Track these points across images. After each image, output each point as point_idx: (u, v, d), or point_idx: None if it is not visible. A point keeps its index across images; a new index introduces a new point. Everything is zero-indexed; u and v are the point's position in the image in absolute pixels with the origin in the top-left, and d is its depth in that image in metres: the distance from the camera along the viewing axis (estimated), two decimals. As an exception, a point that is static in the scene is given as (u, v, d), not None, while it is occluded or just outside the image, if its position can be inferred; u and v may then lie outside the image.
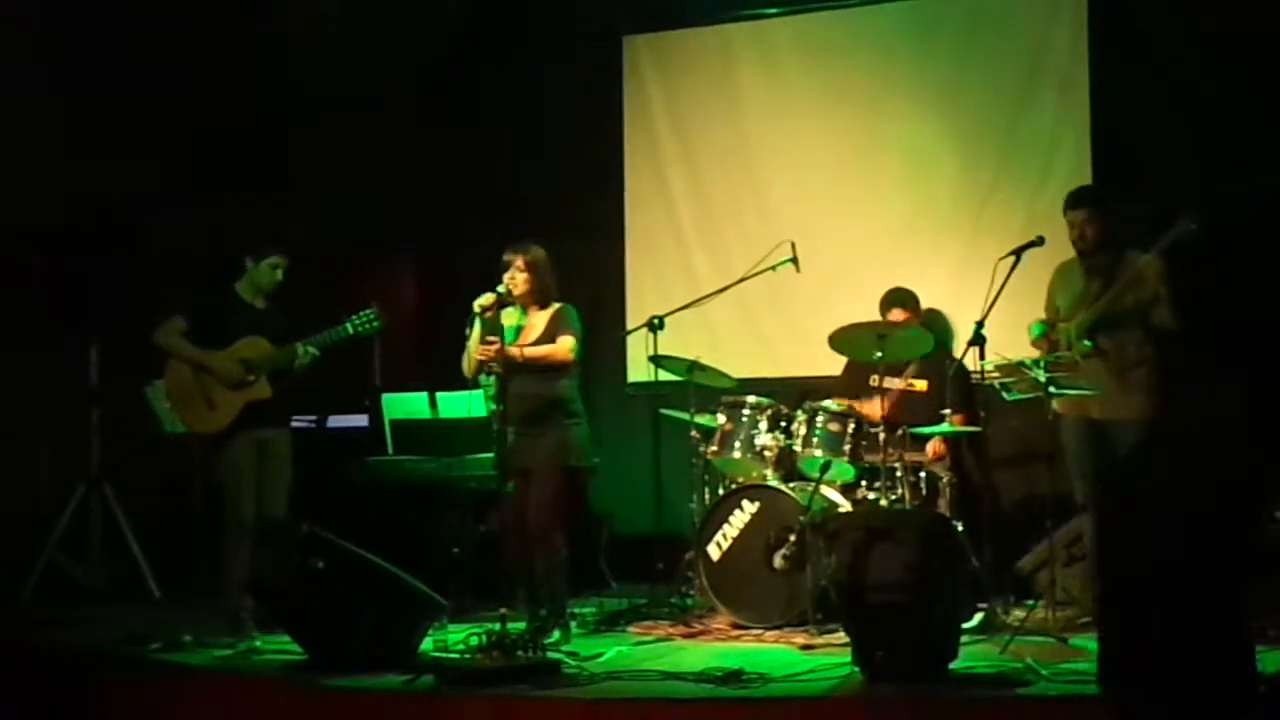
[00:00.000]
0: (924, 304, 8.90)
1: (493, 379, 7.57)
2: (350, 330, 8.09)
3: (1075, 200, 7.72)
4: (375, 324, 8.13)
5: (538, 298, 7.77)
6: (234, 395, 7.94)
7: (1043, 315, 7.80)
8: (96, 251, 9.65)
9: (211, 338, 7.97)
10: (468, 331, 7.60)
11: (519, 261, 7.71)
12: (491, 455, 7.96)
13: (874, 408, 8.15)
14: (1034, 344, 7.72)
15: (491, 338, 7.54)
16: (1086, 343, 7.53)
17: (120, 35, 9.42)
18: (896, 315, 8.69)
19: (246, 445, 7.94)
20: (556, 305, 7.79)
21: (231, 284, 8.15)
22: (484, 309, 7.57)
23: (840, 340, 8.29)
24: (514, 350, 7.55)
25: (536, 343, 7.68)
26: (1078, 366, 7.48)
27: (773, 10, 9.90)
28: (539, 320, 7.77)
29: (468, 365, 7.69)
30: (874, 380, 8.21)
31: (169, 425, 8.95)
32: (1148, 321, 7.50)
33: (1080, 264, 7.73)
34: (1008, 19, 9.28)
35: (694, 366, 8.46)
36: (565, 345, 7.66)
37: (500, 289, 7.64)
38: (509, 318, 7.77)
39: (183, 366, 7.99)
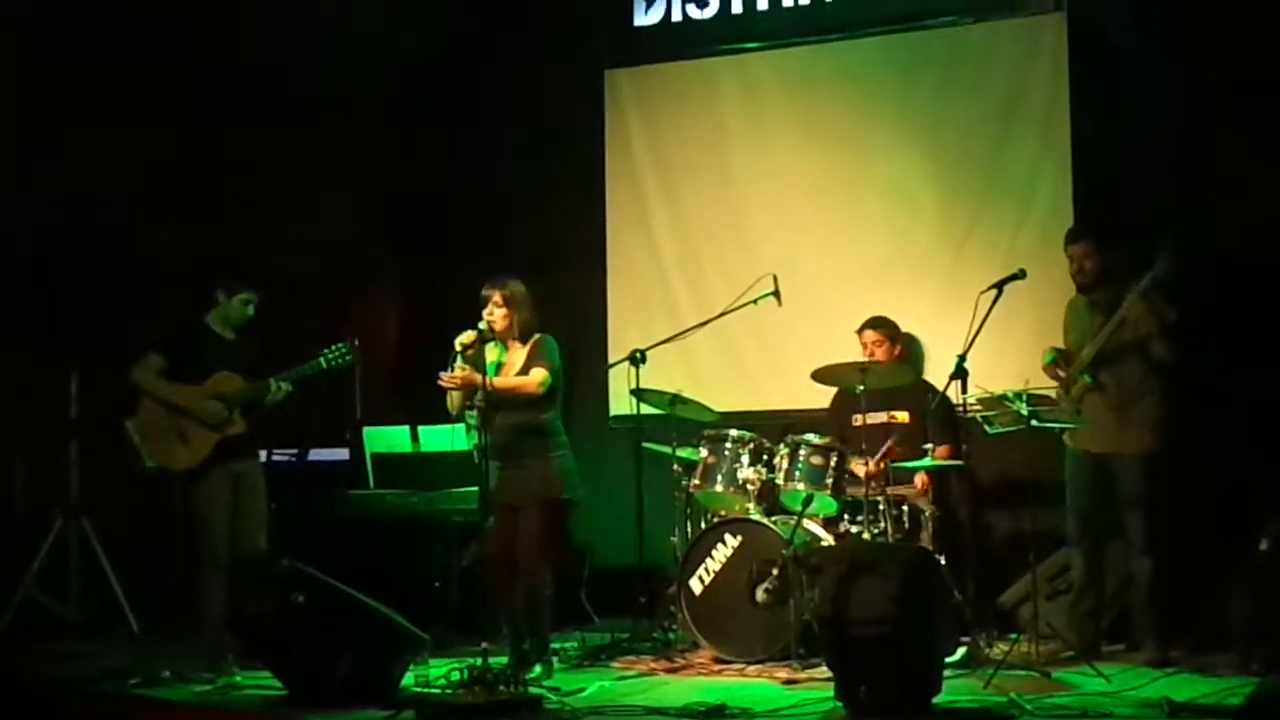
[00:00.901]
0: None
1: (475, 413, 7.55)
2: (323, 364, 8.08)
3: (1074, 234, 7.78)
4: (348, 358, 8.12)
5: (518, 333, 7.74)
6: (208, 431, 7.92)
7: (1051, 344, 7.85)
8: (77, 281, 9.63)
9: (186, 373, 7.96)
10: (450, 369, 7.57)
11: (497, 297, 7.69)
12: (474, 489, 7.94)
13: (862, 468, 8.15)
14: (1045, 370, 7.77)
15: (463, 368, 7.50)
16: (1087, 378, 7.54)
17: (98, 58, 9.44)
18: (870, 336, 8.73)
19: (221, 479, 7.92)
20: (536, 336, 7.76)
21: (203, 316, 8.13)
22: (465, 346, 7.54)
23: (824, 375, 8.34)
24: (480, 379, 7.44)
25: (519, 373, 7.64)
26: (1081, 399, 7.50)
27: (753, 44, 9.91)
28: (519, 355, 7.74)
29: (451, 402, 7.66)
30: (856, 420, 8.21)
31: (148, 458, 8.90)
32: (1147, 355, 7.51)
33: (1084, 297, 7.75)
34: (988, 52, 9.29)
35: (676, 400, 8.45)
36: (537, 377, 7.59)
37: (480, 325, 7.61)
38: (491, 353, 7.74)
39: (155, 404, 7.97)
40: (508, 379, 7.61)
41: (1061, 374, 7.70)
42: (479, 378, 7.45)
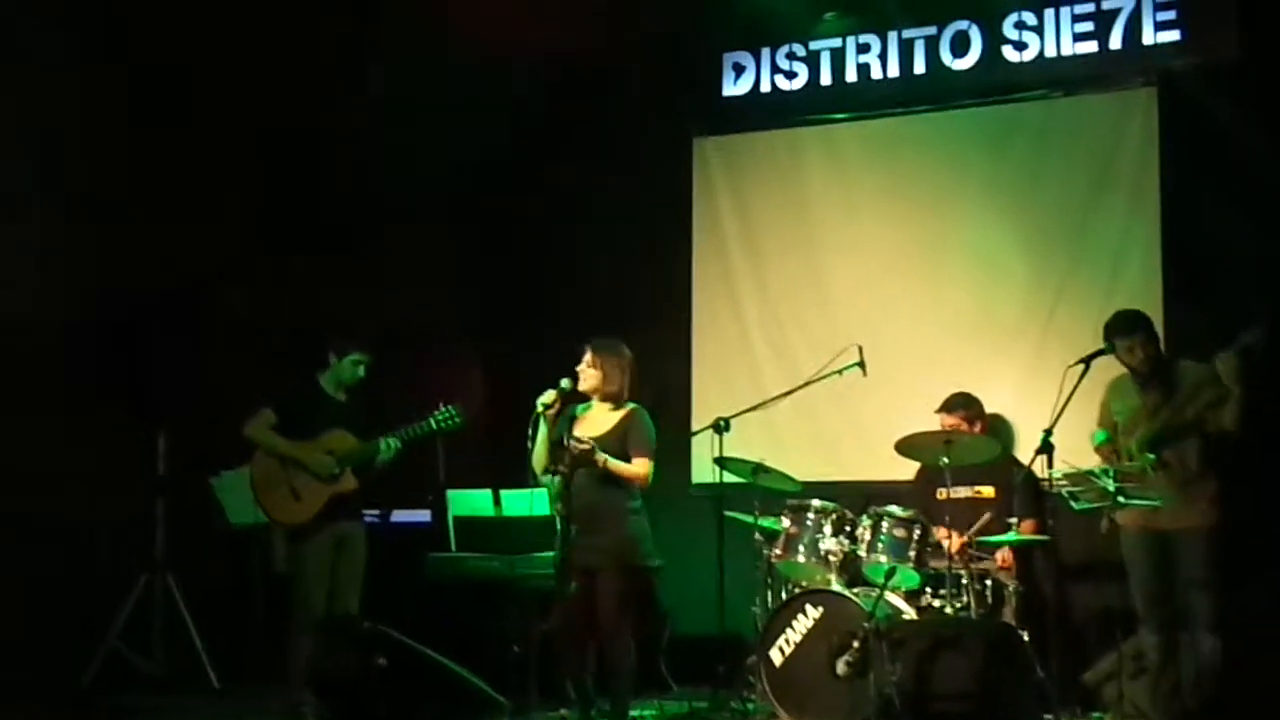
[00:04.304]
0: (989, 407, 8.85)
1: (558, 479, 7.56)
2: (433, 425, 8.17)
3: (1127, 329, 7.63)
4: (457, 420, 8.21)
5: (608, 395, 7.74)
6: (321, 487, 8.00)
7: (1098, 426, 7.74)
8: (167, 341, 9.75)
9: (297, 430, 8.05)
10: (531, 431, 7.59)
11: (589, 357, 7.72)
12: (554, 554, 7.94)
13: (946, 539, 8.10)
14: (1097, 451, 7.68)
15: (584, 440, 7.50)
16: (1150, 456, 7.46)
17: (198, 115, 9.59)
18: (950, 420, 8.66)
19: (326, 538, 7.99)
20: (630, 407, 7.74)
21: (314, 375, 8.22)
22: (547, 406, 7.58)
23: (907, 446, 8.30)
24: (599, 458, 7.48)
25: (603, 438, 7.62)
26: (1146, 477, 7.42)
27: (841, 115, 9.95)
28: (606, 416, 7.74)
29: (539, 463, 7.67)
30: (941, 493, 8.16)
31: (234, 517, 8.99)
32: (1205, 428, 7.42)
33: (1134, 377, 7.68)
34: (1078, 126, 9.27)
35: (759, 469, 8.44)
36: (643, 470, 7.61)
37: (564, 383, 7.63)
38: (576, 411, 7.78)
39: (269, 458, 8.05)
40: (621, 465, 7.58)
41: (1114, 453, 7.60)
42: (600, 458, 7.47)
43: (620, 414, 7.72)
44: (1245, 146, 8.60)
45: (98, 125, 9.46)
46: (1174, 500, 7.43)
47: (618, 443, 7.62)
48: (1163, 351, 7.63)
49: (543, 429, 7.59)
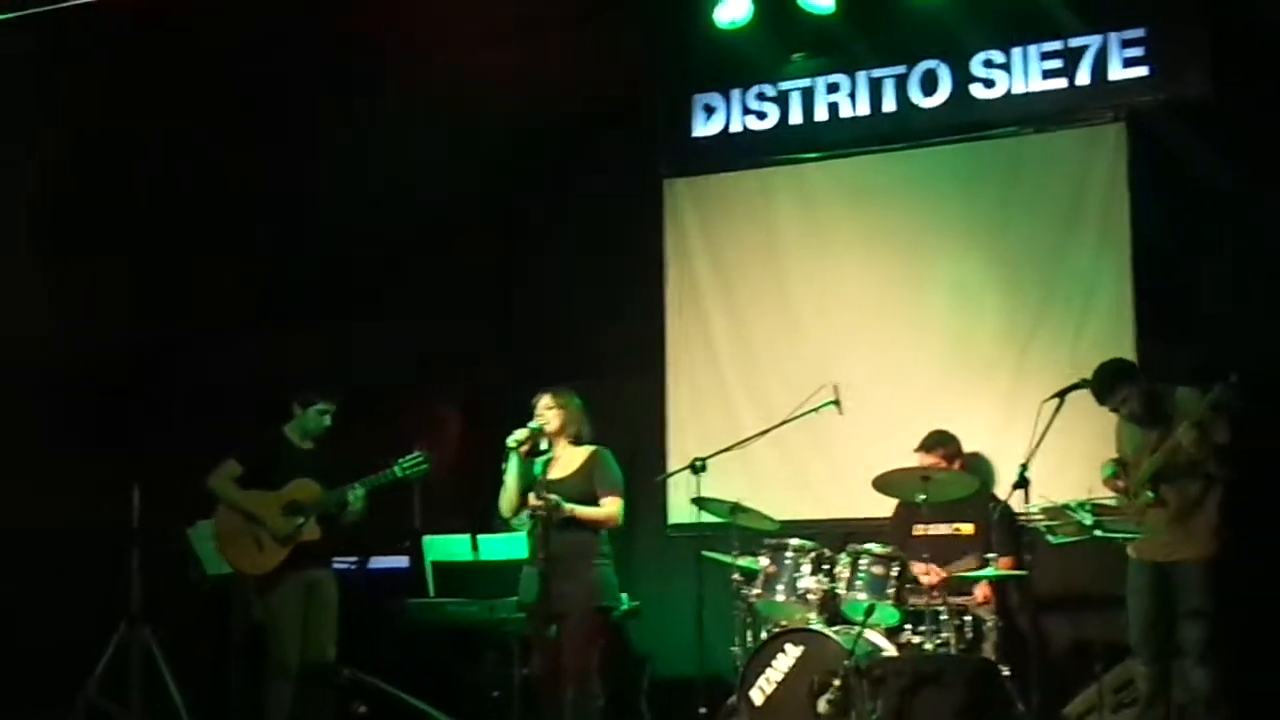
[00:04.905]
0: (966, 444, 8.87)
1: (532, 521, 7.56)
2: (399, 473, 8.15)
3: (1110, 388, 7.64)
4: (423, 467, 8.19)
5: (569, 435, 7.81)
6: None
7: (1109, 457, 7.78)
8: (141, 391, 9.72)
9: (264, 480, 8.05)
10: (504, 467, 7.63)
11: (548, 399, 7.79)
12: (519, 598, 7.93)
13: (924, 575, 8.11)
14: (1105, 483, 7.71)
15: (548, 495, 7.52)
16: (1149, 494, 7.48)
17: (168, 177, 9.58)
18: (929, 458, 8.67)
19: (294, 586, 7.97)
20: (593, 448, 7.82)
21: (280, 427, 8.22)
22: (519, 444, 7.61)
23: (884, 483, 8.32)
24: (566, 510, 7.53)
25: (571, 477, 7.69)
26: (1144, 513, 7.45)
27: (811, 155, 9.98)
28: (572, 457, 7.80)
29: (507, 504, 7.71)
30: (919, 530, 8.17)
31: (210, 567, 8.95)
32: (1205, 470, 7.45)
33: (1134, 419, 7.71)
34: (1048, 161, 9.32)
35: (736, 509, 8.44)
36: (615, 511, 7.70)
37: (533, 425, 7.69)
38: (541, 455, 7.80)
39: (231, 510, 8.05)
40: (590, 510, 7.64)
41: (1122, 484, 7.64)
42: (568, 509, 7.52)
43: (585, 454, 7.79)
44: (1213, 180, 8.66)
45: (67, 178, 9.44)
46: (1172, 533, 7.46)
47: (584, 482, 7.70)
48: (1156, 388, 7.64)
49: (513, 468, 7.62)
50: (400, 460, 8.15)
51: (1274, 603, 7.97)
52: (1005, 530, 8.17)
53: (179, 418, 9.69)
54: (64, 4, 8.16)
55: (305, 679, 7.71)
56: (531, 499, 7.50)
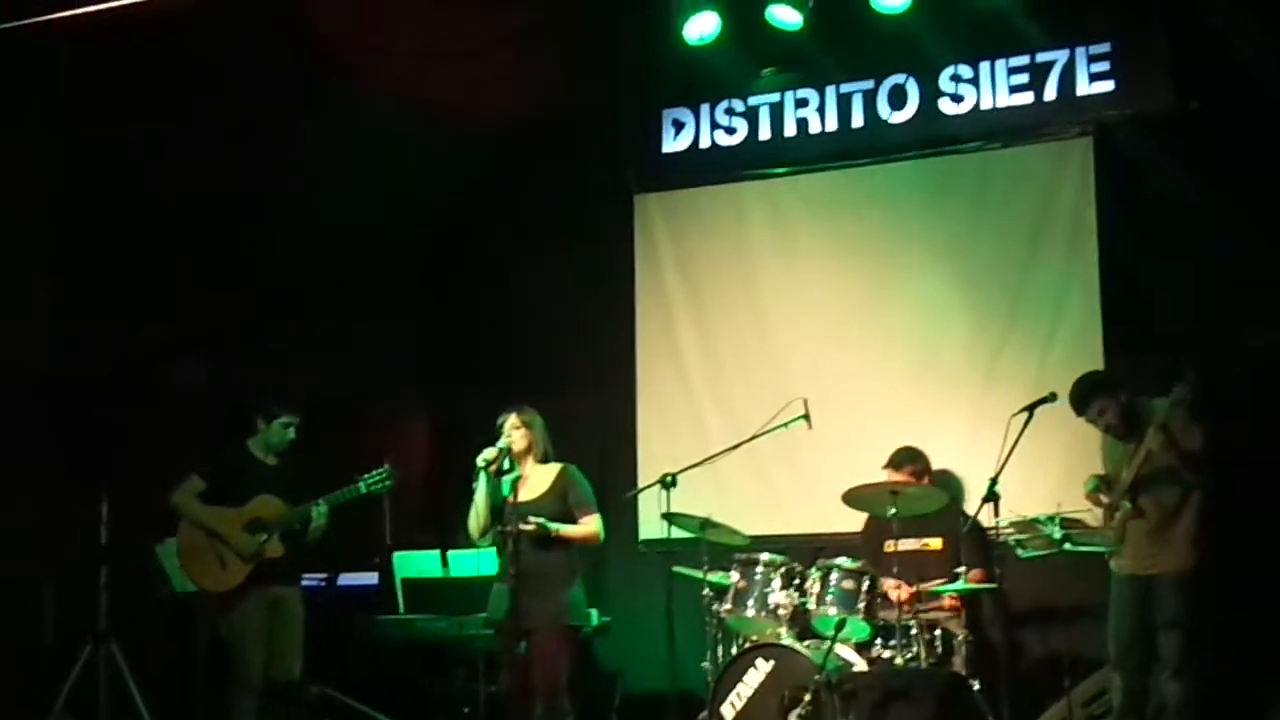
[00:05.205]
0: (935, 459, 8.89)
1: (502, 540, 7.55)
2: (363, 489, 8.13)
3: (1084, 401, 7.70)
4: (388, 482, 8.17)
5: (536, 454, 7.80)
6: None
7: (1091, 472, 7.80)
8: (109, 406, 9.67)
9: (227, 496, 8.01)
10: (474, 486, 7.62)
11: (514, 419, 7.78)
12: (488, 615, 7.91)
13: (894, 590, 8.12)
14: (1088, 497, 7.75)
15: (535, 518, 7.52)
16: (1127, 505, 7.51)
17: (132, 187, 9.54)
18: (897, 475, 8.68)
19: (258, 603, 7.93)
20: (560, 466, 7.83)
21: (244, 441, 8.19)
22: (488, 463, 7.60)
23: (854, 498, 8.33)
24: (551, 530, 7.55)
25: (542, 498, 7.69)
26: (1125, 526, 7.47)
27: (781, 169, 10.00)
28: (541, 476, 7.79)
29: (475, 524, 7.69)
30: (889, 545, 8.18)
31: (178, 584, 8.91)
32: (1182, 478, 7.48)
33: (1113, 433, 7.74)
34: (1016, 176, 9.36)
35: (706, 524, 8.42)
36: (597, 528, 7.75)
37: (501, 444, 7.68)
38: (509, 473, 7.79)
39: (194, 527, 8.02)
40: (572, 529, 7.67)
41: (1104, 499, 7.66)
42: (553, 529, 7.54)
43: (554, 473, 7.81)
44: (1179, 193, 8.70)
45: (31, 195, 9.41)
46: (1152, 544, 7.50)
47: (557, 501, 7.70)
48: (1133, 400, 7.67)
49: (481, 488, 7.61)
50: (365, 476, 8.13)
51: (1248, 614, 8.00)
52: (976, 544, 8.17)
53: (147, 432, 9.63)
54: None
55: (273, 697, 7.67)
56: (518, 524, 7.48)
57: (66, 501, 9.50)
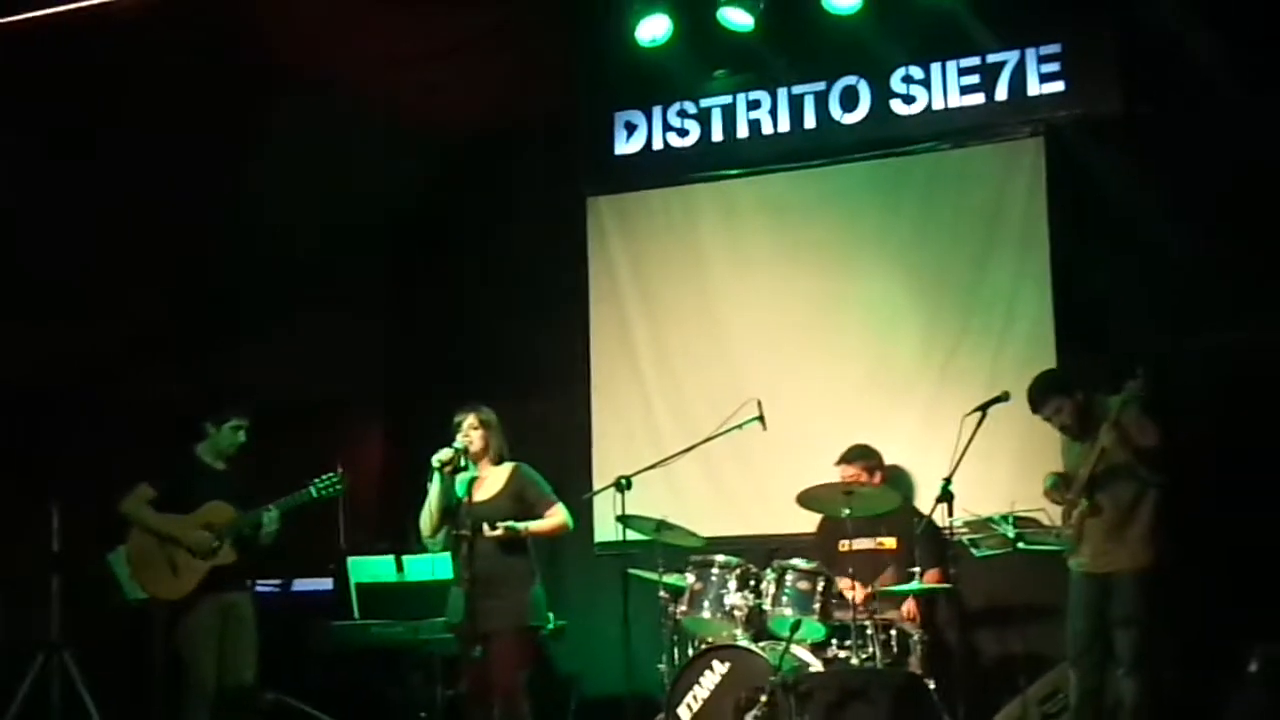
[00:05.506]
0: (889, 459, 8.91)
1: (456, 542, 7.52)
2: (314, 494, 8.09)
3: (1040, 399, 7.74)
4: (339, 486, 8.13)
5: (492, 455, 7.78)
6: (199, 561, 7.89)
7: (1049, 469, 7.84)
8: (57, 413, 9.60)
9: (177, 504, 7.96)
10: (428, 486, 7.59)
11: (472, 419, 7.75)
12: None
13: (850, 590, 8.13)
14: (1046, 495, 7.78)
15: (504, 523, 7.51)
16: (1085, 502, 7.54)
17: (80, 190, 9.46)
18: (850, 471, 8.70)
19: (210, 610, 7.88)
20: (511, 465, 7.80)
21: (194, 447, 8.13)
22: (444, 464, 7.57)
23: (808, 499, 8.34)
24: (522, 529, 7.54)
25: (497, 497, 7.66)
26: (1082, 524, 7.50)
27: (733, 171, 10.00)
28: (495, 477, 7.76)
29: (428, 523, 7.66)
30: (843, 545, 8.19)
31: (130, 592, 8.84)
32: (1137, 474, 7.51)
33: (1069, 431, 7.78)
34: (967, 177, 9.39)
35: (662, 526, 8.42)
36: (564, 518, 7.76)
37: (458, 444, 7.65)
38: (464, 473, 7.77)
39: (145, 534, 7.96)
40: (540, 524, 7.66)
41: (1063, 498, 7.69)
42: (521, 528, 7.54)
43: (506, 473, 7.78)
44: (1129, 195, 8.75)
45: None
46: (1109, 542, 7.53)
47: (512, 500, 7.68)
48: (1089, 399, 7.70)
49: (434, 489, 7.58)
50: (316, 480, 8.09)
51: (1205, 612, 8.04)
52: (930, 544, 8.20)
53: (98, 441, 9.56)
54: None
55: (227, 704, 7.62)
56: (486, 529, 7.45)
57: (16, 510, 9.43)
